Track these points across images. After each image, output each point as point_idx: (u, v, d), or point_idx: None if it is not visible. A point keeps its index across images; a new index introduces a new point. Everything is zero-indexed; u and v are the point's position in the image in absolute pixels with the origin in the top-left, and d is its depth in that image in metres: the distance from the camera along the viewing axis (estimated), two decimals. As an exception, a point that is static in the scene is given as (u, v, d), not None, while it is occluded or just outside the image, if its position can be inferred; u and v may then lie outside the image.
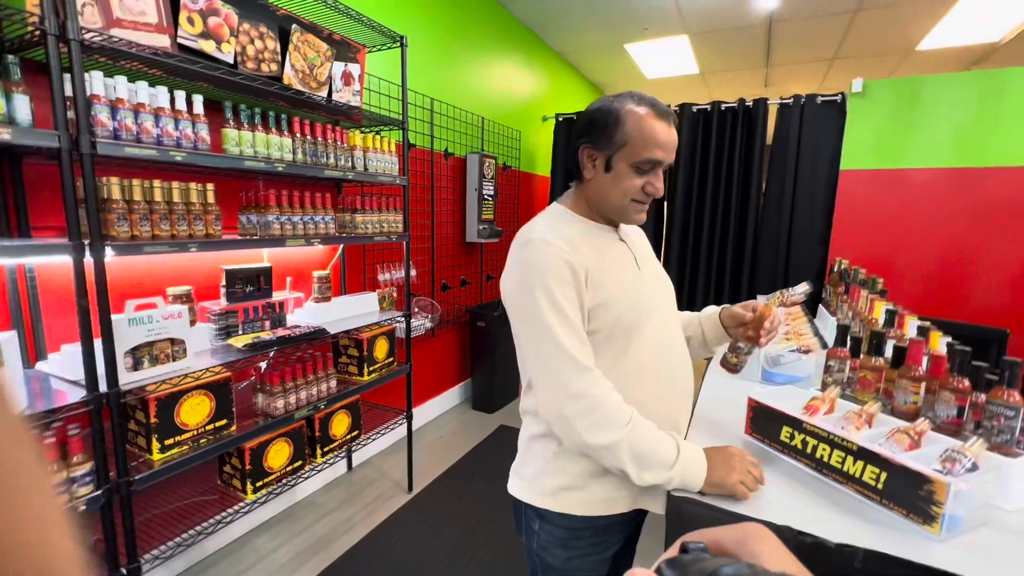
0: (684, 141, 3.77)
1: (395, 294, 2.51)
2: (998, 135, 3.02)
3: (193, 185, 1.40)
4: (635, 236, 1.06)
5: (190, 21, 1.50)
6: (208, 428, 1.51)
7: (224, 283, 1.75)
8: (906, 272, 3.25)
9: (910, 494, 0.77)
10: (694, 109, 3.75)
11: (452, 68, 3.24)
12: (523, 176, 4.28)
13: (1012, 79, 2.95)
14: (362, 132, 2.19)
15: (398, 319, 2.30)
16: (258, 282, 1.87)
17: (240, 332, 1.74)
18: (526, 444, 1.04)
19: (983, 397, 0.92)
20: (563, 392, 0.85)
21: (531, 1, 3.66)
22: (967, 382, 0.91)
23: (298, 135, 1.72)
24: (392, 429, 2.38)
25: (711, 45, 4.36)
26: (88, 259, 1.19)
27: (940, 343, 1.34)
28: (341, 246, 2.37)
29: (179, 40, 1.48)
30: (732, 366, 1.11)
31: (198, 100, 1.40)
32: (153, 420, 1.37)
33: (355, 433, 2.11)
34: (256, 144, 1.56)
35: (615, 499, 0.93)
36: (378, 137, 2.10)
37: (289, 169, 1.65)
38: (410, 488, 2.47)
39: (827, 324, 2.09)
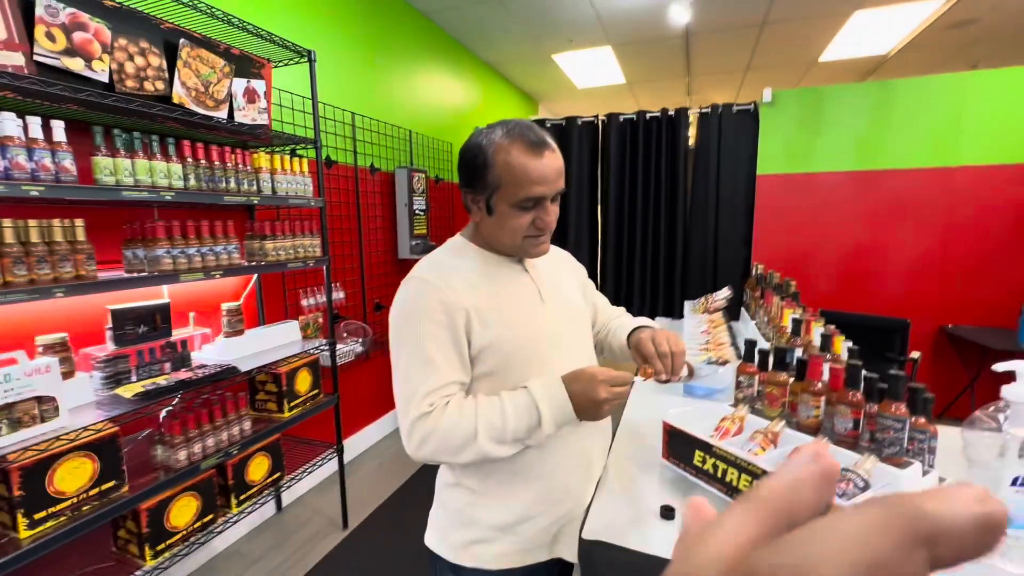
0: (613, 150, 3.86)
1: (320, 319, 2.37)
2: (890, 140, 3.28)
3: (56, 222, 1.23)
4: (544, 263, 1.01)
5: (49, 37, 1.34)
6: (92, 493, 1.33)
7: (110, 325, 1.58)
8: (819, 269, 3.47)
9: (810, 518, 0.77)
10: (621, 119, 3.84)
11: (375, 81, 3.13)
12: (456, 188, 4.21)
13: (900, 89, 3.22)
14: (274, 152, 2.05)
15: (322, 348, 2.17)
16: (153, 321, 1.69)
17: (134, 379, 1.57)
18: (439, 491, 0.98)
19: (875, 408, 0.95)
20: (405, 429, 0.83)
21: (454, 12, 3.62)
22: (860, 395, 0.94)
23: (190, 160, 1.58)
24: (321, 465, 2.24)
25: (634, 56, 4.50)
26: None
27: (843, 347, 1.40)
28: (256, 274, 2.21)
29: (36, 58, 1.32)
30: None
31: (58, 126, 1.24)
32: (17, 493, 1.19)
33: (277, 475, 1.96)
34: (137, 172, 1.41)
35: (529, 550, 0.88)
36: (287, 158, 1.97)
37: (180, 198, 1.51)
38: (345, 525, 2.33)
39: (749, 328, 2.17)
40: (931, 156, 3.22)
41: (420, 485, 2.72)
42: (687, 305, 2.42)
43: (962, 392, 3.19)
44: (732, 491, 0.91)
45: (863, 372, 0.96)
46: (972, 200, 3.17)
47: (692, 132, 3.74)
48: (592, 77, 5.08)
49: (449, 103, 4.06)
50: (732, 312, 2.46)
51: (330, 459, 2.28)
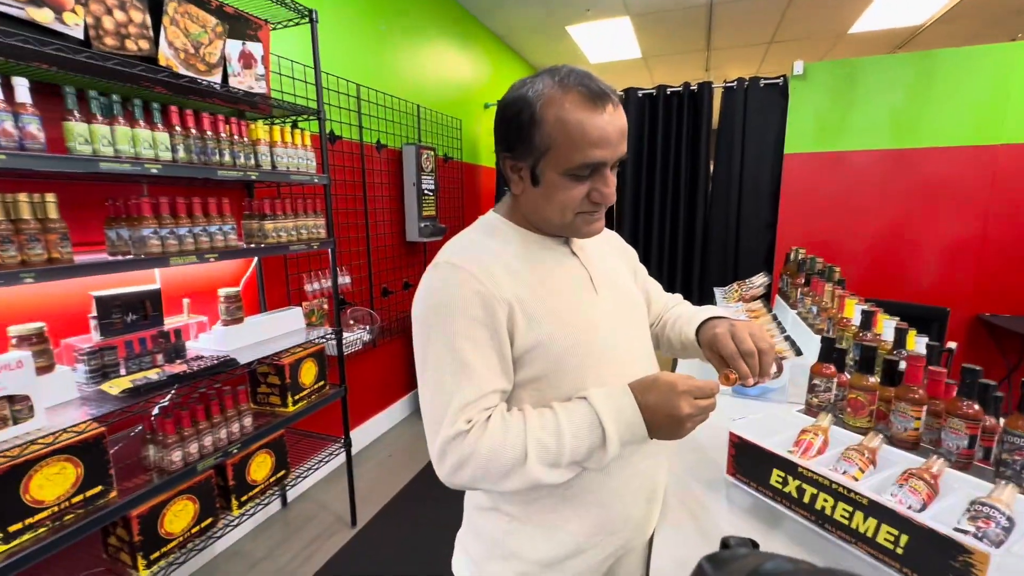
0: (631, 127, 3.65)
1: (325, 305, 2.22)
2: (929, 116, 3.07)
3: (23, 196, 1.07)
4: (591, 244, 0.85)
5: (12, -18, 1.16)
6: (75, 501, 1.20)
7: (95, 313, 1.43)
8: (848, 254, 3.28)
9: (940, 564, 0.62)
10: (640, 94, 3.63)
11: (381, 51, 2.93)
12: (466, 168, 4.02)
13: (942, 60, 3.00)
14: (273, 124, 1.88)
15: (328, 336, 2.02)
16: (143, 308, 1.54)
17: (123, 372, 1.42)
18: (471, 514, 0.83)
19: (991, 421, 0.80)
20: (436, 451, 0.68)
21: (464, -23, 3.38)
22: (977, 406, 0.79)
23: (178, 128, 1.40)
24: (328, 461, 2.12)
25: (653, 27, 4.25)
26: None
27: (916, 343, 1.25)
28: (256, 257, 2.05)
29: (-4, 7, 1.14)
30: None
31: (21, 84, 1.07)
32: (-12, 504, 1.06)
33: (281, 473, 1.83)
34: (117, 141, 1.24)
35: (583, 591, 0.74)
36: (288, 129, 1.80)
37: (168, 171, 1.34)
38: (354, 522, 2.22)
39: (787, 317, 2.01)
40: (973, 133, 3.01)
41: (433, 477, 2.60)
42: (717, 292, 2.25)
43: (999, 384, 3.04)
44: (824, 520, 0.76)
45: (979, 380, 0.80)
46: (1016, 181, 2.96)
47: (715, 107, 3.52)
48: (607, 51, 4.83)
49: (457, 77, 3.84)
50: (763, 299, 2.30)
51: (338, 454, 2.15)
